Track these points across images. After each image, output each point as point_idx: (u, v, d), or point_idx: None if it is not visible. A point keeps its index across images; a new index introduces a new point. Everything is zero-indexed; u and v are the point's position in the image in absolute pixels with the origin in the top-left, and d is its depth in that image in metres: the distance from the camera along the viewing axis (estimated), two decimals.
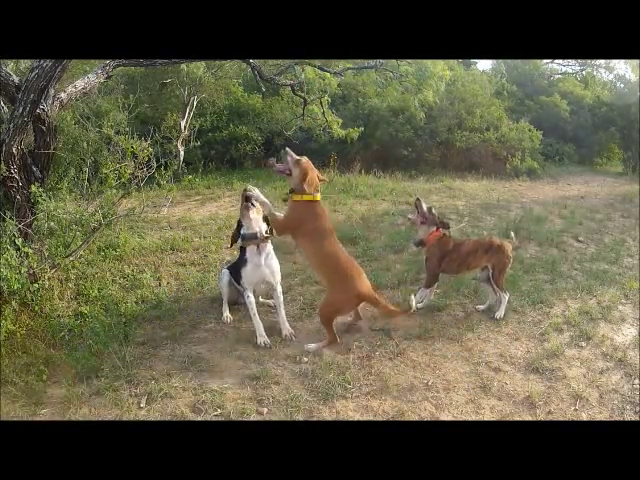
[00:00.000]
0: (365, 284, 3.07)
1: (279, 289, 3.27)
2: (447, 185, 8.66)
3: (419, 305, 3.23)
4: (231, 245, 3.52)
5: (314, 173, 3.10)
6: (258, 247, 3.21)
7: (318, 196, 3.12)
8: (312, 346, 3.04)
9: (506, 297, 3.54)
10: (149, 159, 4.10)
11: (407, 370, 2.88)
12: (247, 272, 3.22)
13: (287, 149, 3.13)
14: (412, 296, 3.08)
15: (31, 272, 3.22)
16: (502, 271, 3.54)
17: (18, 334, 2.98)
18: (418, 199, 3.56)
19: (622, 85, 15.80)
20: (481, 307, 3.67)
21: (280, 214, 3.17)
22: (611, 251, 5.11)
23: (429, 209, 3.50)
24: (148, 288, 3.79)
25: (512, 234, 3.83)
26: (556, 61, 16.60)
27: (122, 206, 4.11)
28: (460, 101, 11.03)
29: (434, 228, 3.48)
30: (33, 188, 3.35)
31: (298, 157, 3.06)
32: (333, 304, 3.05)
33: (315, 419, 2.43)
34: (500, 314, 3.50)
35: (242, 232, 3.27)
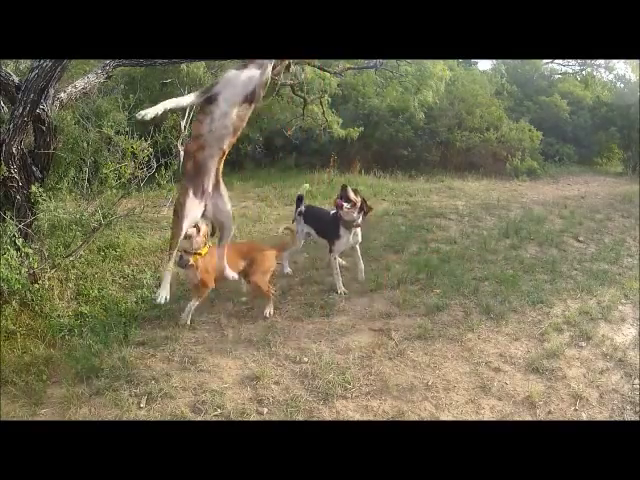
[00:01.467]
0: (232, 249, 3.39)
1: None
2: (447, 185, 8.66)
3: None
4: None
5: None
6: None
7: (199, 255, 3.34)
8: (267, 310, 3.42)
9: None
10: (149, 159, 4.10)
11: (407, 370, 2.88)
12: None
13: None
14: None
15: (31, 272, 3.22)
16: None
17: (18, 334, 2.98)
18: None
19: (622, 85, 15.77)
20: None
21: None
22: (611, 251, 5.11)
23: None
24: (148, 288, 3.78)
25: None
26: (556, 61, 16.55)
27: (122, 206, 4.11)
28: (460, 101, 11.02)
29: None
30: (33, 188, 3.35)
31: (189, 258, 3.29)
32: (258, 275, 3.44)
33: (315, 419, 2.43)
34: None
35: None
